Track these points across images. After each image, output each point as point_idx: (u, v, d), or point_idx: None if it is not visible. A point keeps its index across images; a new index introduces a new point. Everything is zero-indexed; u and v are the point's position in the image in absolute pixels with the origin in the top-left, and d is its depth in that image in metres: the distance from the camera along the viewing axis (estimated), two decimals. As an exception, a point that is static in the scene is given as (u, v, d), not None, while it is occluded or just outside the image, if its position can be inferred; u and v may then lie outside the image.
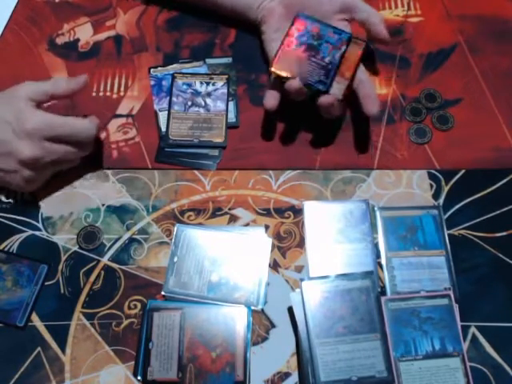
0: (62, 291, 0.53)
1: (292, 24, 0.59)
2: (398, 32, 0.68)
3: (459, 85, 0.65)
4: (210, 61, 0.67)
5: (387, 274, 0.53)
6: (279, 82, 0.58)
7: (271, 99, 0.58)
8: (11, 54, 0.68)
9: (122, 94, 0.65)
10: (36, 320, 0.52)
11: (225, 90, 0.64)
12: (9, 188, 0.57)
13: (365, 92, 0.58)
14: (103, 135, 0.62)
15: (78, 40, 0.69)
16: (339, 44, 0.58)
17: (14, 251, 0.55)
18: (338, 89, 0.57)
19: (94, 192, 0.59)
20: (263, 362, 0.50)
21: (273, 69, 0.58)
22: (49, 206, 0.58)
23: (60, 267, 0.54)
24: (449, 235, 0.55)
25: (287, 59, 0.58)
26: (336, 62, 0.57)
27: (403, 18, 0.70)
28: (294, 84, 0.56)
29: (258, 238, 0.55)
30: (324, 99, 0.57)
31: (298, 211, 0.57)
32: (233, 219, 0.57)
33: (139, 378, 0.49)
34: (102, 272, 0.54)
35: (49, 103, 0.57)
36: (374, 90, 0.59)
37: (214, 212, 0.57)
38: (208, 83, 0.65)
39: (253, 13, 0.64)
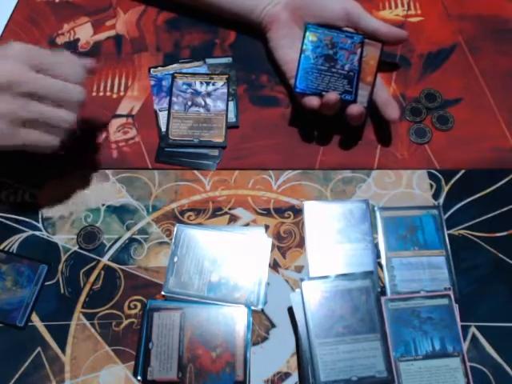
0: (62, 291, 0.53)
1: (304, 37, 0.58)
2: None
3: (459, 85, 0.65)
4: (209, 61, 0.67)
5: (387, 274, 0.53)
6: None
7: (313, 100, 0.57)
8: (11, 53, 0.68)
9: (121, 93, 0.65)
10: (36, 320, 0.52)
11: (225, 90, 0.64)
12: None
13: (382, 97, 0.59)
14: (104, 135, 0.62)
15: (78, 40, 0.69)
16: (354, 48, 0.58)
17: (14, 251, 0.55)
18: (362, 96, 0.57)
19: (94, 192, 0.59)
20: (263, 362, 0.50)
21: (298, 89, 0.58)
22: (49, 206, 0.58)
23: (60, 267, 0.54)
24: (449, 235, 0.55)
25: (309, 76, 0.57)
26: (356, 67, 0.57)
27: (403, 17, 0.70)
28: (332, 96, 0.56)
29: (258, 238, 0.55)
30: (354, 109, 0.56)
31: (298, 211, 0.57)
32: (233, 219, 0.57)
33: (139, 377, 0.49)
34: (102, 272, 0.54)
35: None
36: (390, 94, 0.59)
37: (214, 212, 0.57)
38: (208, 83, 0.65)
39: (255, 16, 0.64)
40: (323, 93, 0.57)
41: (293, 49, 0.60)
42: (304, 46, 0.58)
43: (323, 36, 0.58)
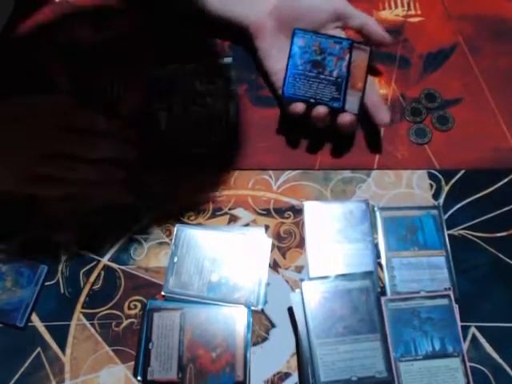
0: (62, 291, 0.53)
1: (292, 44, 0.58)
2: (396, 32, 0.68)
3: (459, 85, 0.65)
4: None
5: (387, 274, 0.53)
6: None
7: (299, 106, 0.56)
8: (11, 53, 0.68)
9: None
10: (36, 320, 0.52)
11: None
12: None
13: (372, 100, 0.58)
14: None
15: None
16: (342, 53, 0.57)
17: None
18: (352, 103, 0.56)
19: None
20: (263, 362, 0.50)
21: (285, 96, 0.57)
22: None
23: (60, 267, 0.54)
24: (449, 235, 0.55)
25: (297, 82, 0.57)
26: (344, 74, 0.56)
27: (403, 18, 0.70)
28: (321, 110, 0.55)
29: (258, 238, 0.55)
30: (344, 118, 0.56)
31: (298, 211, 0.57)
32: (233, 219, 0.57)
33: (139, 378, 0.49)
34: (102, 272, 0.54)
35: None
36: (380, 97, 0.59)
37: (213, 212, 0.57)
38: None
39: (244, 22, 0.63)
40: (310, 103, 0.56)
41: (281, 59, 0.59)
42: (292, 52, 0.57)
43: (311, 41, 0.57)
